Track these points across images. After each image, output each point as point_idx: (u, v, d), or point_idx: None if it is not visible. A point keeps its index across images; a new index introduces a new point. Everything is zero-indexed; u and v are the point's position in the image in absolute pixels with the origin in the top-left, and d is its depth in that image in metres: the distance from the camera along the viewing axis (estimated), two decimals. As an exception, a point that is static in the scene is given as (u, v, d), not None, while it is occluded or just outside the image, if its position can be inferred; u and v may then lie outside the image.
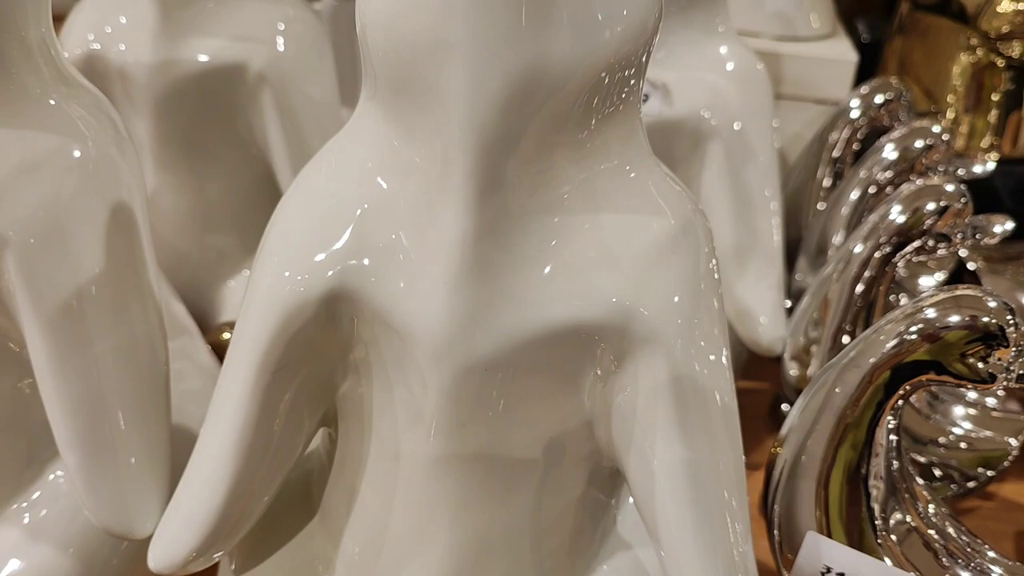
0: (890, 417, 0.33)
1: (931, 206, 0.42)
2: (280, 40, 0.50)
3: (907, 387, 0.33)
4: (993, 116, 0.63)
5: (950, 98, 0.64)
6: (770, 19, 0.62)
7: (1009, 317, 0.31)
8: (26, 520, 0.37)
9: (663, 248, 0.29)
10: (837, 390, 0.34)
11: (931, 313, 0.32)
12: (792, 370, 0.48)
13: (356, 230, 0.29)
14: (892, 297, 0.46)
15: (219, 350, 0.50)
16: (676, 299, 0.28)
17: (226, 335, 0.51)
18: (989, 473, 0.45)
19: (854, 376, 0.33)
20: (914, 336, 0.32)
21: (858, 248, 0.43)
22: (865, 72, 0.70)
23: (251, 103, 0.50)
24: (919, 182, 0.42)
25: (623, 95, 0.28)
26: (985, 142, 0.64)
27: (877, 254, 0.43)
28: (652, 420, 0.29)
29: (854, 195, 0.51)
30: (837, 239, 0.51)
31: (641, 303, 0.28)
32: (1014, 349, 0.31)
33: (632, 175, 0.29)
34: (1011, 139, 0.64)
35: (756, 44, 0.61)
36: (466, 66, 0.25)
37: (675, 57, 0.46)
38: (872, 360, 0.33)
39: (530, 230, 0.28)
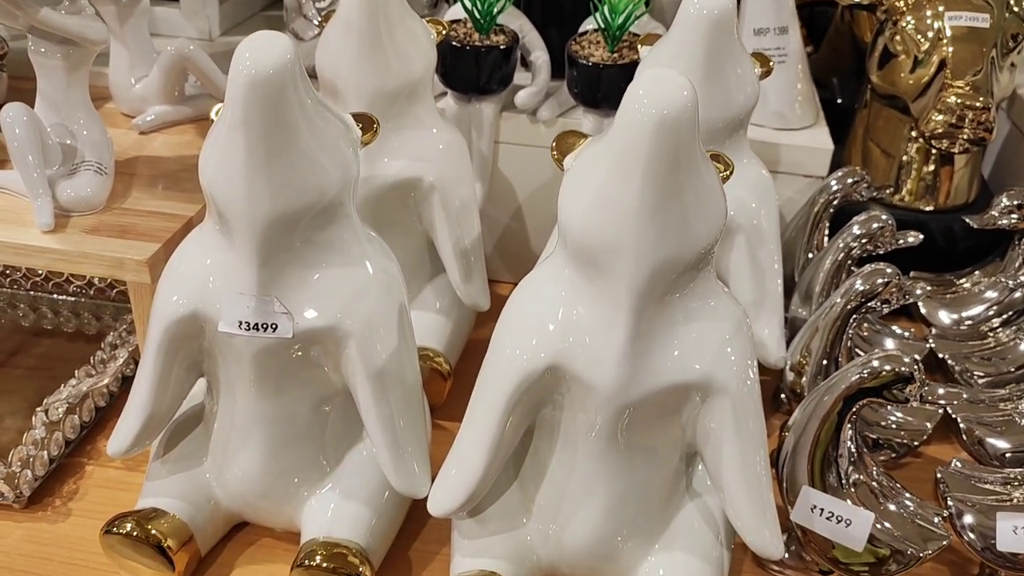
0: (849, 422, 0.58)
1: (879, 280, 0.66)
2: (442, 159, 0.74)
3: (860, 404, 0.58)
4: (929, 181, 0.88)
5: (903, 167, 0.89)
6: (771, 115, 0.86)
7: (916, 368, 0.56)
8: (340, 487, 0.61)
9: (726, 340, 0.53)
10: (823, 400, 0.59)
11: (876, 363, 0.57)
12: (789, 376, 0.73)
13: (561, 331, 0.53)
14: (858, 333, 0.70)
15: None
16: (734, 368, 0.53)
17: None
18: (913, 443, 0.71)
19: (831, 397, 0.58)
20: (866, 375, 0.57)
21: (837, 300, 0.68)
22: (840, 130, 0.94)
23: (423, 201, 0.74)
24: (874, 265, 0.66)
25: (709, 259, 0.52)
26: (924, 199, 0.89)
27: (848, 307, 0.68)
28: (721, 430, 0.54)
29: (833, 256, 0.75)
30: (819, 286, 0.76)
31: (717, 371, 0.53)
32: (917, 385, 0.56)
33: (710, 302, 0.53)
34: (943, 197, 0.89)
35: (761, 133, 0.85)
36: (631, 260, 0.49)
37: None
38: (843, 387, 0.58)
39: (660, 333, 0.52)
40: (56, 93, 0.71)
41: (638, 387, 0.52)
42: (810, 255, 0.82)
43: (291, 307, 0.55)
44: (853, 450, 0.59)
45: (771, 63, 0.72)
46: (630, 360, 0.52)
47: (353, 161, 0.56)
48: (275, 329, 0.55)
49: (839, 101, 1.05)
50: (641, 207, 0.48)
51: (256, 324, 0.55)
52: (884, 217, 0.74)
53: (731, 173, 0.55)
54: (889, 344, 0.77)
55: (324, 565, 0.57)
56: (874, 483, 0.59)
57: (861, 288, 0.67)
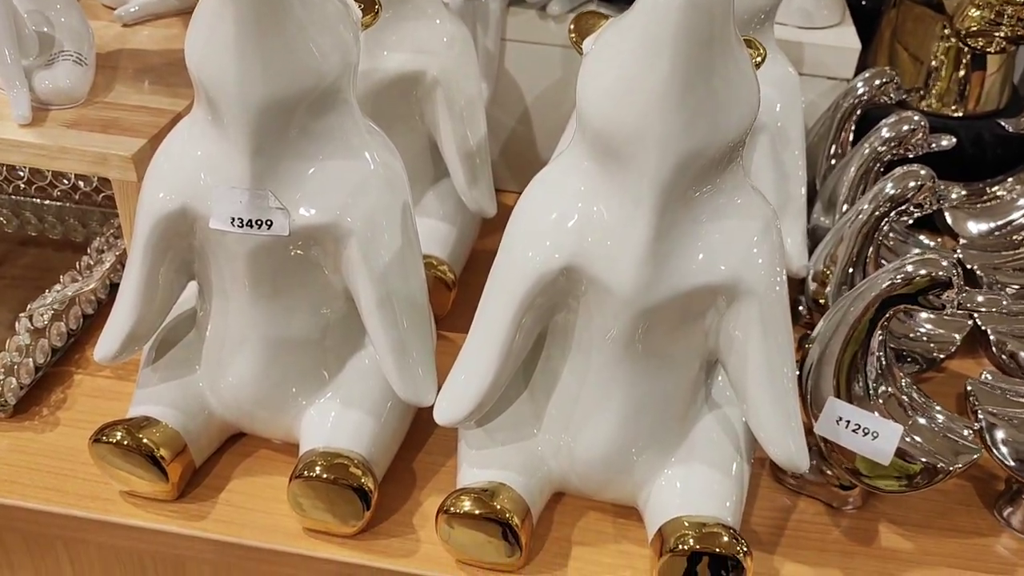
0: (880, 330, 0.55)
1: (912, 183, 0.62)
2: (447, 52, 0.69)
3: (892, 311, 0.54)
4: (959, 85, 0.84)
5: (932, 72, 0.84)
6: (795, 13, 0.81)
7: (955, 271, 0.53)
8: (341, 395, 0.58)
9: (754, 240, 0.49)
10: (851, 309, 0.55)
11: (910, 268, 0.53)
12: (812, 286, 0.69)
13: (577, 230, 0.49)
14: (884, 243, 0.66)
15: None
16: (763, 270, 0.49)
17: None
18: (940, 356, 0.68)
19: (860, 304, 0.55)
20: (899, 281, 0.54)
21: (864, 207, 0.64)
22: (865, 34, 0.89)
23: (426, 98, 0.70)
24: (906, 167, 0.62)
25: (738, 152, 0.48)
26: (953, 104, 0.85)
27: (876, 213, 0.64)
28: (747, 335, 0.50)
29: (859, 161, 0.71)
30: (844, 193, 0.72)
31: (744, 272, 0.49)
32: (956, 291, 0.53)
33: (737, 199, 0.49)
34: (973, 102, 0.85)
35: (784, 32, 0.80)
36: (655, 150, 0.45)
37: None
38: (873, 294, 0.54)
39: (684, 232, 0.48)
40: (31, -23, 0.66)
41: (659, 290, 0.49)
42: (833, 162, 0.78)
43: (287, 202, 0.51)
44: (883, 360, 0.56)
45: (801, -51, 0.67)
46: (652, 261, 0.48)
47: (353, 44, 0.52)
48: (270, 226, 0.51)
49: (863, 3, 0.99)
50: (668, 91, 0.44)
51: (250, 220, 0.51)
52: (916, 118, 0.69)
53: (764, 59, 0.51)
54: (916, 254, 0.73)
55: (324, 476, 0.54)
56: (904, 396, 0.56)
57: (892, 192, 0.63)
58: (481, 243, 0.80)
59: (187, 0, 0.81)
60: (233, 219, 0.51)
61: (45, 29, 0.66)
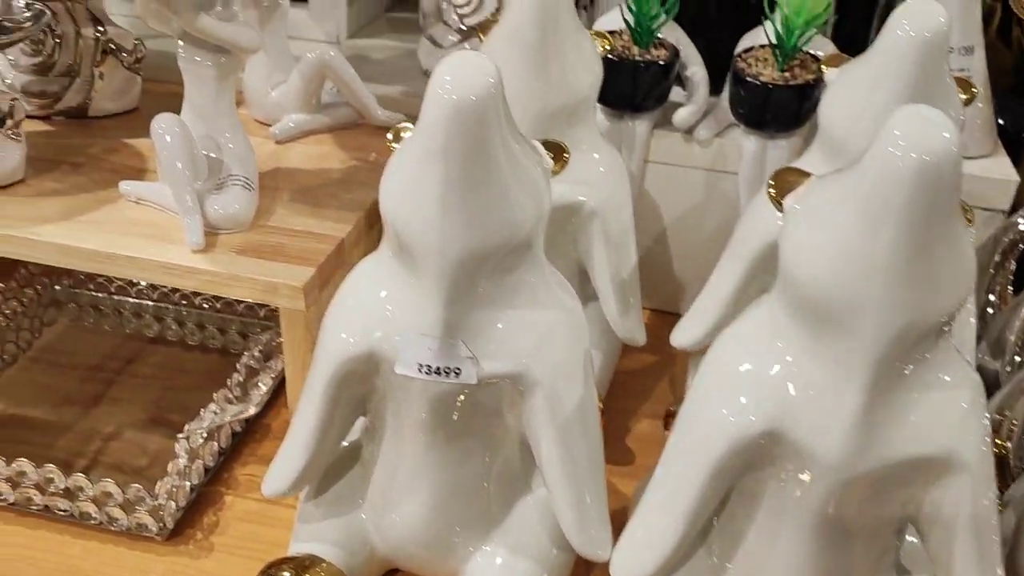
0: (1088, 501, 0.52)
1: (1102, 337, 0.60)
2: (603, 183, 0.69)
3: (1099, 481, 0.52)
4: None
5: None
6: (949, 142, 0.79)
7: None
8: (508, 542, 0.57)
9: (968, 410, 0.47)
10: (1048, 477, 0.53)
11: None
12: (985, 435, 0.66)
13: (779, 390, 0.48)
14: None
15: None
16: (973, 440, 0.47)
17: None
18: None
19: (1062, 473, 0.52)
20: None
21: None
22: (1013, 158, 0.87)
23: (581, 227, 0.69)
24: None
25: (950, 324, 0.46)
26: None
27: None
28: (956, 510, 0.48)
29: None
30: (1015, 335, 0.69)
31: (957, 444, 0.47)
32: None
33: (946, 375, 0.47)
34: None
35: (936, 160, 0.79)
36: (873, 322, 0.44)
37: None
38: (1076, 461, 0.52)
39: (894, 402, 0.47)
40: (205, 103, 0.67)
41: (867, 460, 0.47)
42: (991, 296, 0.76)
43: (475, 350, 0.51)
44: (1086, 531, 0.53)
45: (973, 89, 0.66)
46: (862, 430, 0.46)
47: (546, 194, 0.51)
48: (459, 374, 0.51)
49: (1000, 123, 0.97)
50: (892, 262, 0.43)
51: (438, 368, 0.51)
52: (1095, 262, 0.67)
53: (972, 222, 0.50)
54: (1088, 400, 0.70)
55: (497, 630, 0.52)
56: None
57: (1080, 345, 0.61)
58: (620, 364, 0.79)
59: (337, 118, 0.82)
60: (421, 366, 0.51)
61: (214, 154, 0.68)
